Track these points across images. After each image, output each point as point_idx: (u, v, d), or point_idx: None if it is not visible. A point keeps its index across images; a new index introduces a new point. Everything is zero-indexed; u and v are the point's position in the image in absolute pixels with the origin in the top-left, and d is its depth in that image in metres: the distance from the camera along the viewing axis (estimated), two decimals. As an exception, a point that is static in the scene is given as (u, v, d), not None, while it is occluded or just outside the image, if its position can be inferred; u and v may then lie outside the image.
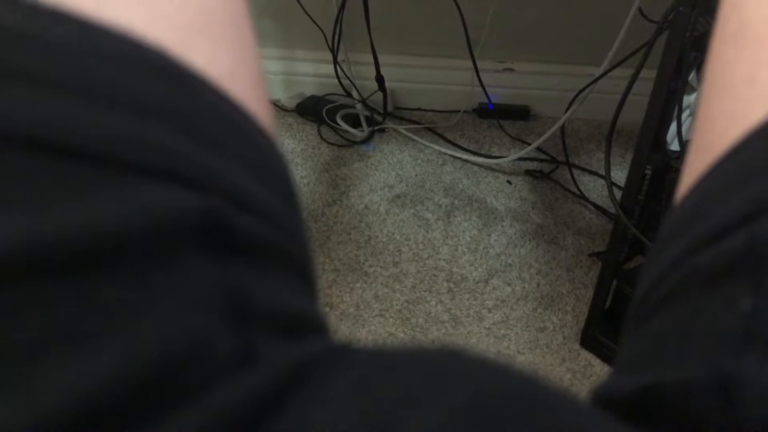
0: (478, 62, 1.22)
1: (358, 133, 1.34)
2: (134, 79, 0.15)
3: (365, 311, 1.03)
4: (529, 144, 1.21)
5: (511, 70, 1.34)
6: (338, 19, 1.25)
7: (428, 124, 1.36)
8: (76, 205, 0.13)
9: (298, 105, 1.41)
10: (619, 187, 1.10)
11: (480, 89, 1.28)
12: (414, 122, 1.38)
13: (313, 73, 1.43)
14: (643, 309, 0.19)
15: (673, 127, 0.75)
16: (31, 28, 0.14)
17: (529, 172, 1.25)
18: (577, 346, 0.98)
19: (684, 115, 0.74)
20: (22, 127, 0.13)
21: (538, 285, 1.06)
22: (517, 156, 1.22)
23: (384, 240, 1.14)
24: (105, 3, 0.15)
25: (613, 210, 0.95)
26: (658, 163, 0.78)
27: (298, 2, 1.25)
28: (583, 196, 1.19)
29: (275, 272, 0.16)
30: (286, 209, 0.18)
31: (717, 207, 0.17)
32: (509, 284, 1.07)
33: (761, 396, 0.13)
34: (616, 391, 0.17)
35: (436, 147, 1.31)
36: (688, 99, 0.73)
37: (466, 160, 1.28)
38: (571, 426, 0.14)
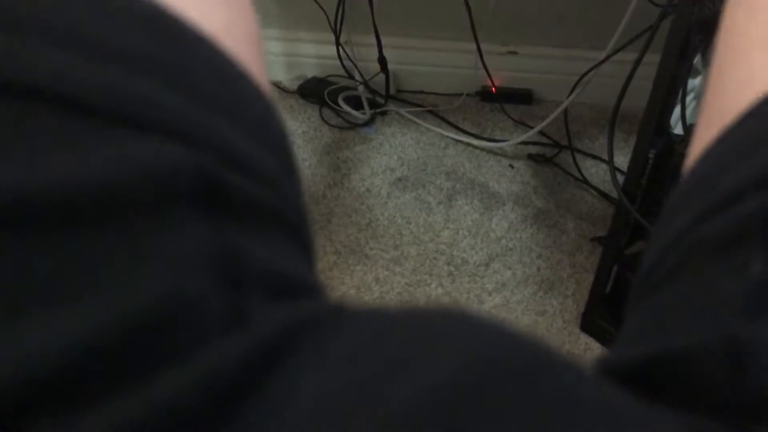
0: (481, 45, 1.21)
1: (360, 116, 1.33)
2: (128, 32, 0.14)
3: (366, 294, 1.03)
4: (532, 128, 1.21)
5: (514, 53, 1.33)
6: (341, 0, 1.24)
7: (431, 107, 1.35)
8: (65, 158, 0.12)
9: (300, 87, 1.40)
10: (621, 172, 1.10)
11: (483, 72, 1.27)
12: (416, 105, 1.37)
13: (315, 54, 1.42)
14: (648, 281, 0.19)
15: (677, 111, 0.74)
16: None
17: (531, 156, 1.25)
18: (577, 330, 0.98)
19: (688, 99, 0.73)
20: (13, 77, 0.12)
21: (538, 269, 1.06)
22: (519, 140, 1.22)
23: (385, 223, 1.14)
24: None
25: (615, 195, 0.95)
26: (662, 147, 0.78)
27: (301, -18, 1.24)
28: (585, 181, 1.19)
29: (268, 233, 0.16)
30: (280, 168, 0.17)
31: (727, 174, 0.16)
32: (510, 268, 1.07)
33: None
34: (620, 362, 0.17)
35: (439, 130, 1.30)
36: (692, 82, 0.73)
37: (469, 144, 1.28)
38: (570, 390, 0.13)
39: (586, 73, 1.07)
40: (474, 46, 1.21)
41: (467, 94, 1.36)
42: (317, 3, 1.27)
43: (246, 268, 0.14)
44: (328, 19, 1.29)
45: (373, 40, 1.27)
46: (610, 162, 0.82)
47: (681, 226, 0.17)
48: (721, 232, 0.16)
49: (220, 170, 0.14)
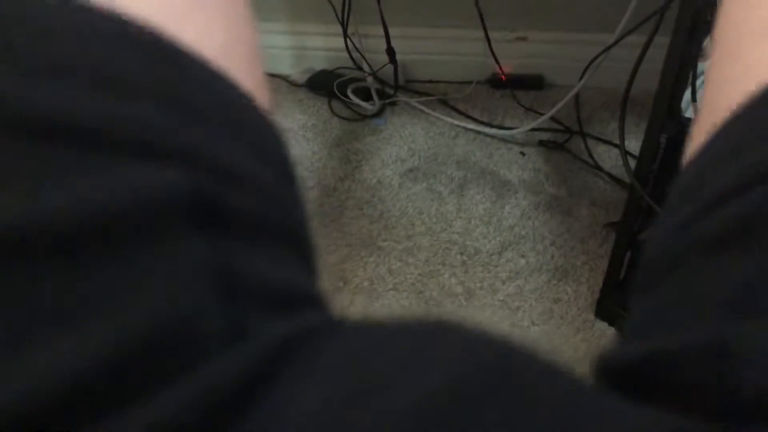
0: (489, 32, 1.20)
1: (369, 107, 1.33)
2: (120, 57, 0.15)
3: (379, 285, 1.04)
4: (543, 114, 1.20)
5: (523, 39, 1.32)
6: (347, -8, 1.24)
7: (440, 96, 1.35)
8: (63, 188, 0.13)
9: (309, 80, 1.40)
10: (633, 157, 1.09)
11: (492, 59, 1.26)
12: (426, 94, 1.36)
13: (323, 47, 1.41)
14: (648, 275, 0.19)
15: (688, 93, 0.73)
16: (17, 7, 0.14)
17: (542, 143, 1.24)
18: (591, 316, 0.97)
19: (698, 82, 0.72)
20: (8, 108, 0.13)
21: (552, 256, 1.06)
22: (530, 127, 1.21)
23: (397, 214, 1.14)
24: None
25: (627, 180, 0.94)
26: (673, 130, 0.77)
27: (306, -25, 1.24)
28: (597, 166, 1.18)
29: (268, 246, 0.16)
30: (279, 183, 0.18)
31: (719, 173, 0.17)
32: (523, 256, 1.06)
33: (756, 363, 0.13)
34: (619, 359, 0.17)
35: (449, 119, 1.30)
36: (702, 65, 0.72)
37: (479, 132, 1.27)
38: (561, 397, 0.14)
39: (596, 57, 1.06)
40: (482, 34, 1.20)
41: (477, 82, 1.35)
42: (323, -5, 1.27)
43: (244, 283, 0.14)
44: (335, 11, 1.28)
45: (381, 31, 1.27)
46: (621, 146, 0.81)
47: (676, 223, 0.18)
48: (710, 233, 0.16)
49: (218, 189, 0.15)
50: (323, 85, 1.38)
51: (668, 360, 0.15)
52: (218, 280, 0.14)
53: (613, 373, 0.17)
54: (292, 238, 0.18)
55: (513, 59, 1.33)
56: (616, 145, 1.21)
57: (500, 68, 1.29)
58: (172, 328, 0.13)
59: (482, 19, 1.17)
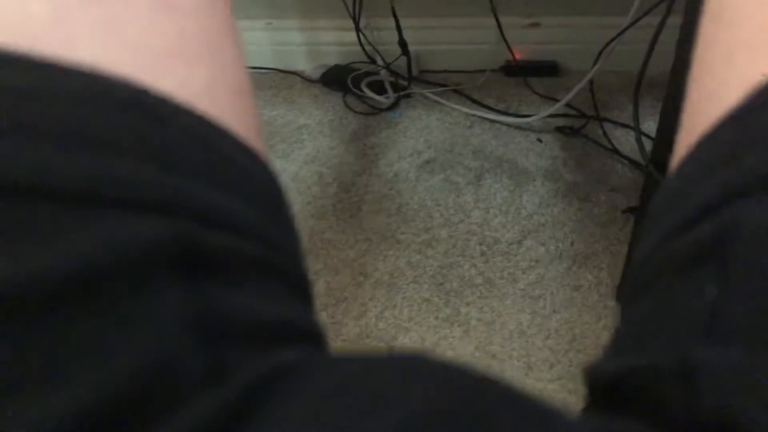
0: (502, 19, 1.19)
1: (383, 100, 1.33)
2: (99, 115, 0.15)
3: (399, 279, 1.04)
4: (558, 101, 1.19)
5: (537, 24, 1.30)
6: (357, -14, 1.24)
7: (454, 86, 1.34)
8: (45, 246, 0.13)
9: (323, 75, 1.40)
10: (651, 139, 1.08)
11: (506, 47, 1.25)
12: (440, 85, 1.36)
13: (336, 41, 1.41)
14: (632, 287, 0.19)
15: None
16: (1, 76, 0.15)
17: (559, 129, 1.23)
18: (612, 302, 0.97)
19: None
20: None
21: (572, 243, 1.05)
22: (546, 113, 1.20)
23: (415, 207, 1.14)
24: (75, 41, 0.16)
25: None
26: (689, 113, 0.76)
27: (316, -29, 1.24)
28: (615, 151, 1.17)
29: (253, 283, 0.16)
30: (266, 219, 0.18)
31: (691, 193, 0.17)
32: (543, 244, 1.06)
33: (719, 384, 0.13)
34: (600, 374, 0.18)
35: (464, 109, 1.29)
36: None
37: (495, 121, 1.27)
38: (532, 425, 0.14)
39: (611, 41, 1.05)
40: (494, 21, 1.19)
41: (491, 70, 1.35)
42: (334, -10, 1.27)
43: (226, 322, 0.15)
44: (346, 5, 1.28)
45: (393, 24, 1.26)
46: (636, 129, 0.81)
47: (655, 240, 0.18)
48: (681, 253, 0.16)
49: (198, 233, 0.15)
50: (338, 80, 1.38)
51: (640, 378, 0.15)
52: (199, 323, 0.14)
53: (597, 385, 0.17)
54: (282, 272, 0.18)
55: (527, 45, 1.32)
56: (633, 128, 1.20)
57: (513, 55, 1.28)
58: (151, 376, 0.13)
59: (493, 7, 1.16)
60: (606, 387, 0.17)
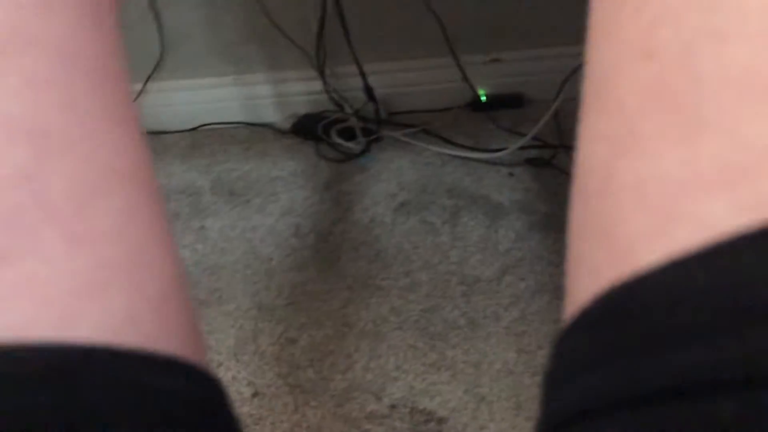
0: (463, 57, 1.21)
1: (354, 146, 1.34)
2: (9, 393, 0.15)
3: (383, 326, 1.04)
4: (526, 134, 1.20)
5: (498, 60, 1.32)
6: (319, 38, 1.25)
7: (423, 126, 1.36)
8: None
9: (293, 125, 1.41)
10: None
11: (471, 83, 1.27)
12: (409, 126, 1.37)
13: (304, 91, 1.43)
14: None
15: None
16: None
17: (529, 161, 1.24)
18: (597, 333, 0.97)
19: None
20: None
21: (551, 276, 1.06)
22: (515, 146, 1.21)
23: (393, 251, 1.14)
24: None
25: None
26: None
27: (277, 27, 1.26)
28: (586, 178, 1.18)
29: None
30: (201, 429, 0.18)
31: (554, 394, 0.17)
32: (523, 279, 1.06)
33: None
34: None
35: (435, 148, 1.30)
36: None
37: (466, 158, 1.28)
38: None
39: (574, 71, 1.06)
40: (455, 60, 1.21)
41: (458, 107, 1.36)
42: (295, 44, 1.29)
43: None
44: (309, 56, 1.30)
45: (357, 70, 1.28)
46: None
47: (537, 423, 0.18)
48: None
49: None
50: (308, 129, 1.39)
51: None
52: None
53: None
54: None
55: (491, 80, 1.33)
56: (603, 154, 1.21)
57: (476, 93, 1.30)
58: None
59: (451, 47, 1.18)
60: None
